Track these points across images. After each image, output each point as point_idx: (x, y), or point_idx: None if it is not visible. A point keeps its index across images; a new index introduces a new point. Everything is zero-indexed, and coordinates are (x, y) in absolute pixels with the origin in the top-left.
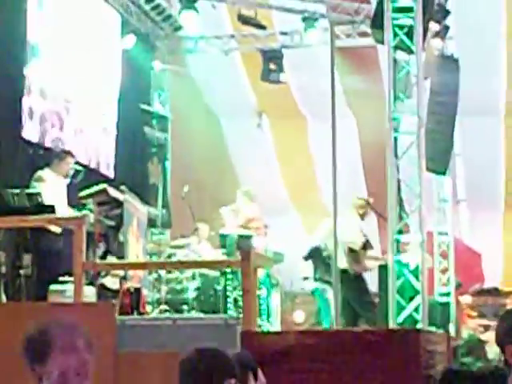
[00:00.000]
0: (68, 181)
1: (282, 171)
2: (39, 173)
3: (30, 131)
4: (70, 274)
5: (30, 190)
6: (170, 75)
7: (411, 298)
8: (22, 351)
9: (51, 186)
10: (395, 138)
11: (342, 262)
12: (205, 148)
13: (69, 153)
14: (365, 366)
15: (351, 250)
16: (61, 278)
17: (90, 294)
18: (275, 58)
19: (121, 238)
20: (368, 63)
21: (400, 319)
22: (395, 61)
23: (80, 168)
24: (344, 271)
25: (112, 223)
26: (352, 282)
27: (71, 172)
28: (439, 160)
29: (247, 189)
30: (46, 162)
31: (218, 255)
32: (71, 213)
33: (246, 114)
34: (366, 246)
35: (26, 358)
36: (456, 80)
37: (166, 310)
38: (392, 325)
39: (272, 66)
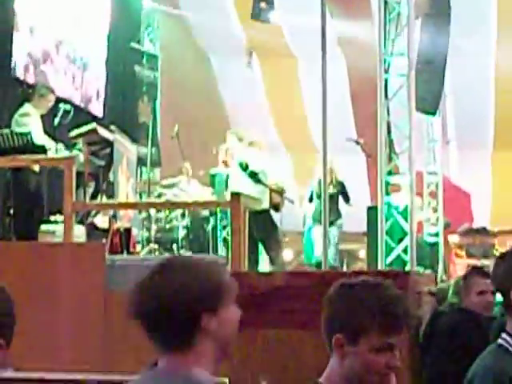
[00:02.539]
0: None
1: (271, 110)
2: (23, 108)
3: (20, 69)
4: (60, 213)
5: (20, 130)
6: (159, 13)
7: (400, 240)
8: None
9: (36, 123)
10: (385, 80)
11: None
12: (195, 87)
13: (50, 89)
14: None
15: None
16: (51, 218)
17: (79, 233)
18: None
19: (111, 177)
20: (359, 4)
21: (389, 260)
22: (386, 1)
23: (69, 107)
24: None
25: (102, 163)
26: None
27: (60, 112)
28: (430, 100)
29: (237, 130)
30: (27, 97)
31: (208, 194)
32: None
33: (236, 53)
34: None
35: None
36: (447, 20)
37: (155, 250)
38: (381, 266)
39: (263, 5)
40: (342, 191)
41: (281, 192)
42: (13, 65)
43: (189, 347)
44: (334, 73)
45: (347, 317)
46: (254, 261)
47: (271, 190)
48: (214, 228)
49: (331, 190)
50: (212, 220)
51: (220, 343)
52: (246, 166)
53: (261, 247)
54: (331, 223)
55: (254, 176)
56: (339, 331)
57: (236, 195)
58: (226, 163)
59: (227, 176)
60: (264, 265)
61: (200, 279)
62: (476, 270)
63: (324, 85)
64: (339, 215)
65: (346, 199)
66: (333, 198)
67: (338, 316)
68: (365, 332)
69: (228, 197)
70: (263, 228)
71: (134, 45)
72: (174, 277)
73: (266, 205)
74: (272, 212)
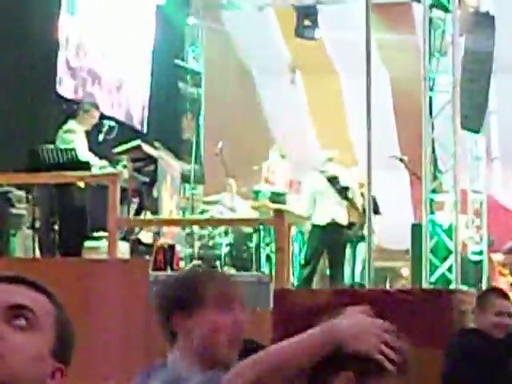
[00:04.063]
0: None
1: (315, 127)
2: (68, 125)
3: (65, 86)
4: (104, 230)
5: (65, 146)
6: (203, 30)
7: (444, 258)
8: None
9: (81, 139)
10: (430, 97)
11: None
12: (238, 104)
13: (94, 105)
14: (397, 326)
15: None
16: (95, 234)
17: (123, 249)
18: (310, 14)
19: (155, 193)
20: (403, 20)
21: (433, 279)
22: (431, 19)
23: (114, 124)
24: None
25: (146, 179)
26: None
27: (105, 129)
28: (474, 118)
29: (279, 146)
30: (72, 114)
31: (251, 211)
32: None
33: (279, 70)
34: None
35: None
36: (491, 37)
37: (198, 266)
38: (425, 284)
39: (306, 22)
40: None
41: (359, 210)
42: (57, 81)
43: (174, 345)
44: (377, 89)
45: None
46: (309, 277)
47: (352, 208)
48: (258, 245)
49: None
50: (255, 237)
51: (197, 343)
52: (337, 182)
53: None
54: (361, 239)
55: (343, 192)
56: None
57: (280, 212)
58: (267, 180)
59: (272, 193)
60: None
61: (174, 285)
62: (493, 290)
63: (368, 101)
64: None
65: (376, 210)
66: (363, 212)
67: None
68: None
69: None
70: (333, 244)
71: (177, 62)
72: (163, 286)
73: (344, 221)
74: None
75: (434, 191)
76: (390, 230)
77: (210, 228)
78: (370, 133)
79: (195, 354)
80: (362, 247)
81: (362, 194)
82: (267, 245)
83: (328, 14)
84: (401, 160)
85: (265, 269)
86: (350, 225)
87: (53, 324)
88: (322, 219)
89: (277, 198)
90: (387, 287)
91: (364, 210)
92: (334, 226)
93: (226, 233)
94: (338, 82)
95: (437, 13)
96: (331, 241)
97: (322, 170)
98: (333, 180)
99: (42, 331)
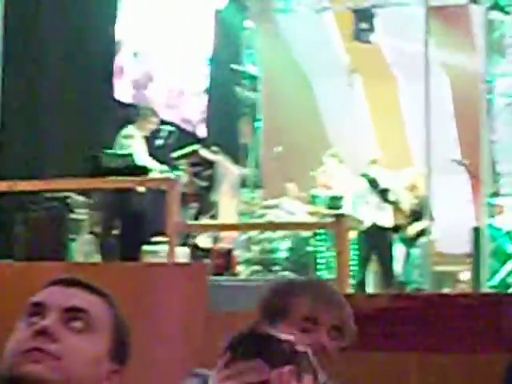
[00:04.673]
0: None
1: (372, 130)
2: (127, 130)
3: (122, 92)
4: (162, 234)
5: (123, 151)
6: (261, 35)
7: (504, 262)
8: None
9: (139, 144)
10: (489, 100)
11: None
12: (295, 107)
13: (153, 111)
14: (456, 330)
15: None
16: (153, 239)
17: (182, 254)
18: (367, 17)
19: (213, 198)
20: (460, 22)
21: (493, 283)
22: (490, 22)
23: (172, 129)
24: None
25: (204, 184)
26: None
27: (164, 134)
28: None
29: (335, 151)
30: (131, 119)
31: (309, 215)
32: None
33: (336, 74)
34: None
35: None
36: None
37: (257, 271)
38: (485, 289)
39: (363, 26)
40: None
41: (404, 213)
42: (115, 87)
43: None
44: (435, 92)
45: None
46: (362, 281)
47: (396, 210)
48: (316, 249)
49: (415, 205)
50: (314, 241)
51: None
52: (376, 184)
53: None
54: (413, 241)
55: (383, 194)
56: None
57: (340, 216)
58: (325, 184)
59: (329, 197)
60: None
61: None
62: None
63: (427, 104)
64: (423, 233)
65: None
66: (416, 214)
67: None
68: None
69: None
70: (381, 247)
71: (235, 66)
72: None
73: (389, 223)
74: None
75: (493, 195)
76: (448, 233)
77: (268, 232)
78: (430, 136)
79: None
80: (415, 250)
81: (415, 197)
82: (326, 249)
83: (385, 18)
84: (462, 164)
85: (323, 273)
86: (397, 227)
87: (109, 326)
88: (363, 223)
89: (334, 202)
90: (445, 291)
91: (411, 212)
92: (375, 229)
93: (285, 237)
94: (396, 85)
95: (495, 15)
96: (376, 244)
97: (363, 173)
98: (372, 183)
99: (98, 333)
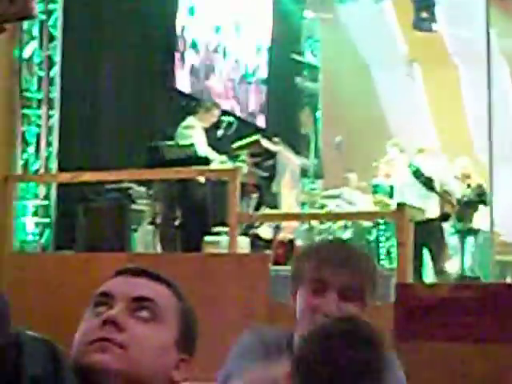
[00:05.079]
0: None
1: (432, 119)
2: (188, 121)
3: (183, 83)
4: (223, 225)
5: (184, 142)
6: (320, 25)
7: None
8: None
9: (200, 135)
10: None
11: None
12: (355, 97)
13: (215, 104)
14: None
15: None
16: (215, 229)
17: (243, 244)
18: (427, 6)
19: (274, 188)
20: None
21: None
22: None
23: (232, 119)
24: None
25: (265, 174)
26: None
27: (224, 124)
28: None
29: (396, 140)
30: (193, 111)
31: (371, 205)
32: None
33: (396, 63)
34: None
35: None
36: None
37: None
38: None
39: (424, 15)
40: (481, 194)
41: (451, 202)
42: (176, 78)
43: None
44: (497, 81)
45: None
46: (418, 271)
47: (443, 199)
48: (377, 239)
49: (469, 194)
50: (375, 231)
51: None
52: (421, 174)
53: (426, 257)
54: (469, 231)
55: (428, 183)
56: None
57: (401, 206)
58: (387, 174)
59: (390, 187)
60: (428, 275)
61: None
62: None
63: (489, 93)
64: (479, 223)
65: (483, 201)
66: (470, 204)
67: None
68: None
69: (392, 208)
70: (432, 237)
71: (295, 56)
72: None
73: (436, 214)
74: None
75: None
76: (511, 222)
77: (329, 222)
78: (492, 124)
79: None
80: (470, 239)
81: (469, 186)
82: (387, 239)
83: (446, 6)
84: None
85: (384, 263)
86: (445, 216)
87: (176, 315)
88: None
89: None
90: (508, 281)
91: (464, 201)
92: (425, 221)
93: (346, 227)
94: (456, 75)
95: None
96: (424, 234)
97: (409, 164)
98: (416, 172)
99: (165, 322)
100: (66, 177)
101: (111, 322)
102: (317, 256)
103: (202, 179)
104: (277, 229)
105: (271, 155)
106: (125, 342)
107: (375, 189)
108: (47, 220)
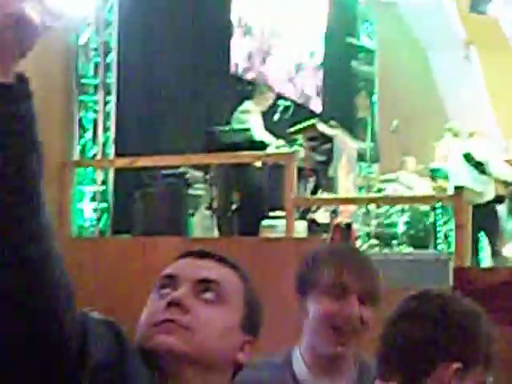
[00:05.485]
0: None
1: (490, 102)
2: (244, 105)
3: (239, 68)
4: (279, 209)
5: (240, 126)
6: (376, 8)
7: None
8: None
9: (256, 119)
10: None
11: None
12: (412, 81)
13: (269, 87)
14: None
15: None
16: (271, 214)
17: (300, 228)
18: None
19: (331, 172)
20: None
21: None
22: None
23: (289, 104)
24: None
25: (322, 158)
26: None
27: (280, 109)
28: None
29: (452, 124)
30: (249, 95)
31: (429, 189)
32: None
33: (453, 46)
34: None
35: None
36: None
37: (376, 245)
38: None
39: None
40: None
41: (506, 183)
42: (231, 63)
43: None
44: None
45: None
46: (476, 255)
47: (497, 182)
48: (435, 223)
49: None
50: (432, 215)
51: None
52: (471, 158)
53: (482, 241)
54: None
55: (479, 167)
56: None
57: (459, 189)
58: (445, 158)
59: (447, 171)
60: (485, 259)
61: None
62: None
63: None
64: None
65: None
66: None
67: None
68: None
69: (449, 191)
70: (487, 221)
71: (350, 40)
72: None
73: (490, 196)
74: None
75: None
76: None
77: (386, 206)
78: None
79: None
80: None
81: None
82: (445, 223)
83: None
84: None
85: (442, 247)
86: (500, 199)
87: (240, 297)
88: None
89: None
90: None
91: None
92: (479, 205)
93: (403, 211)
94: None
95: None
96: (481, 217)
97: (462, 147)
98: (467, 156)
99: (230, 304)
100: (123, 162)
101: (176, 304)
102: (335, 260)
103: (258, 163)
104: (334, 213)
105: (328, 139)
106: (190, 324)
107: (433, 173)
108: (105, 205)
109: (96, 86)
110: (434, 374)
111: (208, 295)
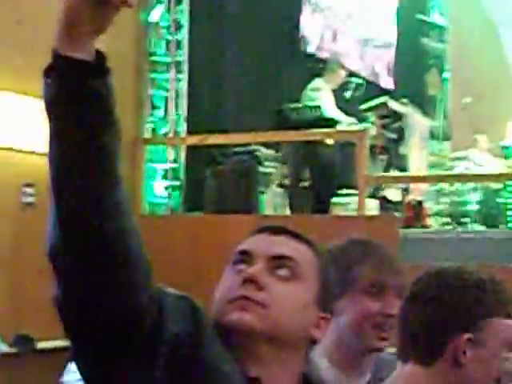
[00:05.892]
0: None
1: None
2: (314, 83)
3: (310, 45)
4: (350, 187)
5: (311, 104)
6: None
7: None
8: None
9: (327, 96)
10: None
11: None
12: (484, 58)
13: (341, 65)
14: None
15: None
16: (343, 191)
17: (371, 206)
18: None
19: (402, 150)
20: None
21: None
22: None
23: (360, 81)
24: None
25: (393, 136)
26: None
27: (352, 86)
28: None
29: None
30: (319, 73)
31: (501, 167)
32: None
33: None
34: None
35: None
36: None
37: (447, 223)
38: None
39: None
40: None
41: None
42: (302, 40)
43: None
44: None
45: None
46: None
47: None
48: (506, 201)
49: None
50: (505, 193)
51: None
52: None
53: None
54: None
55: None
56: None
57: None
58: None
59: None
60: None
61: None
62: None
63: None
64: None
65: None
66: None
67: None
68: None
69: None
70: None
71: (422, 17)
72: None
73: None
74: None
75: None
76: None
77: (458, 185)
78: None
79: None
80: None
81: None
82: None
83: None
84: None
85: None
86: None
87: (315, 273)
88: None
89: None
90: None
91: None
92: None
93: (475, 189)
94: None
95: None
96: None
97: None
98: None
99: (305, 281)
100: (194, 139)
101: (251, 281)
102: (372, 259)
103: (329, 141)
104: (405, 191)
105: (399, 117)
106: (265, 301)
107: (504, 151)
108: (176, 183)
109: (167, 64)
110: (447, 351)
111: (283, 272)
